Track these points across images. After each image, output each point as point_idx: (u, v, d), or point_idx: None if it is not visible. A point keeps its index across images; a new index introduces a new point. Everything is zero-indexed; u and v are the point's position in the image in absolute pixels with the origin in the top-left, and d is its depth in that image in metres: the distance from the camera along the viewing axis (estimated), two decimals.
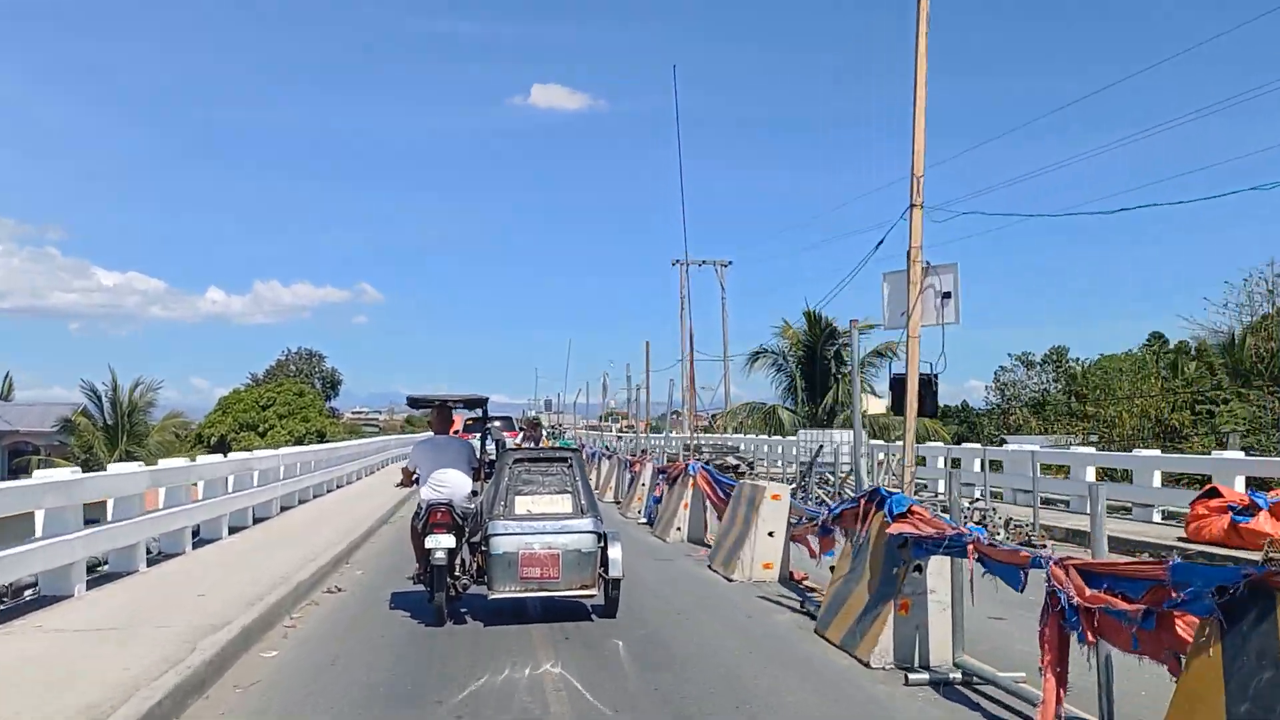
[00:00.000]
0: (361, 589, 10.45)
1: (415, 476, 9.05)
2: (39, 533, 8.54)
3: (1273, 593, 3.58)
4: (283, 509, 17.23)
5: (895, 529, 6.67)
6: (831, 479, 19.58)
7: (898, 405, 10.03)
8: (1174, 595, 4.08)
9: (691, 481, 14.48)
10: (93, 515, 10.39)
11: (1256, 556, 10.67)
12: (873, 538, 7.23)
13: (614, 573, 8.39)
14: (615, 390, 59.40)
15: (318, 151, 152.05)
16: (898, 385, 9.72)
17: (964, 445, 24.15)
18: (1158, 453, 18.31)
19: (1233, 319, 29.94)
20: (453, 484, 8.76)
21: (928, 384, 9.59)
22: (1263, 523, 11.88)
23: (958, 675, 6.34)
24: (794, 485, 17.53)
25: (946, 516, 6.76)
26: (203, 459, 16.06)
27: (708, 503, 14.00)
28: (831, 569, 8.45)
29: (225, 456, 16.90)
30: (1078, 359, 46.02)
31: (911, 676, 6.34)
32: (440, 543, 8.28)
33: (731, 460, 23.54)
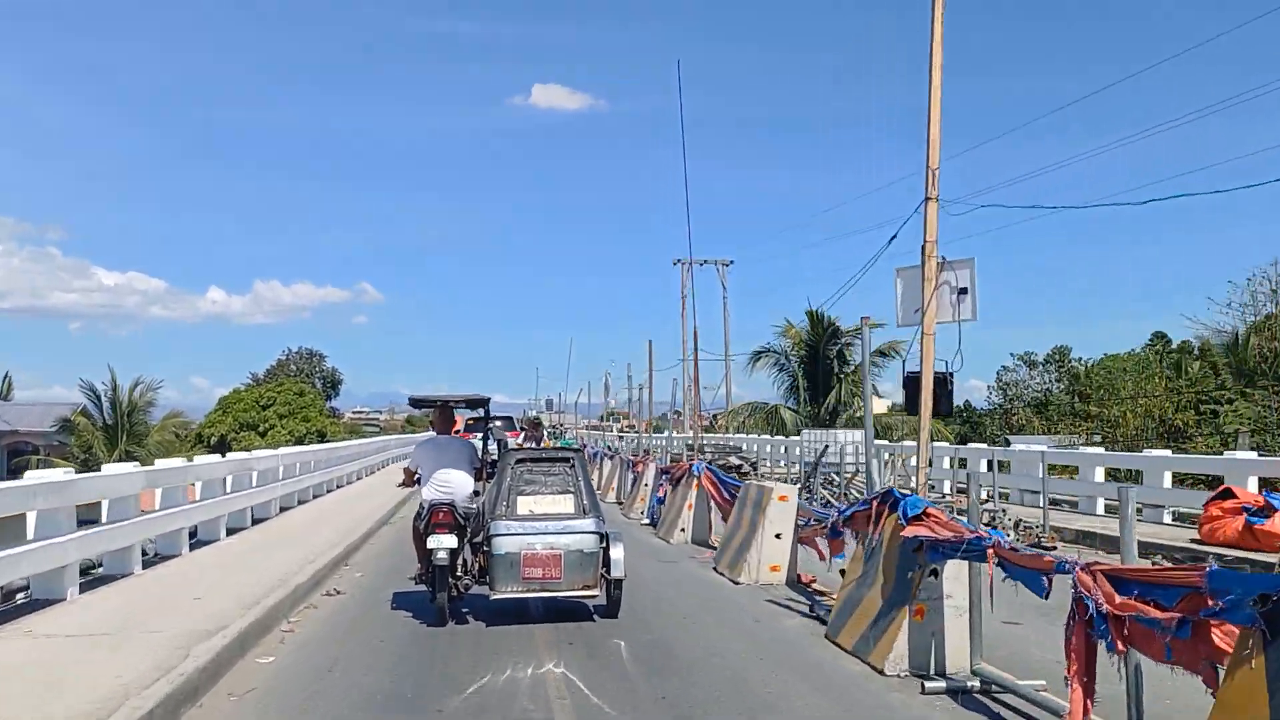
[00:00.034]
0: (361, 591, 10.27)
1: (417, 477, 9.00)
2: (31, 535, 8.34)
3: None
4: (282, 509, 17.04)
5: (910, 532, 6.47)
6: (836, 479, 19.37)
7: (911, 404, 9.78)
8: (1211, 603, 3.90)
9: (696, 482, 14.28)
10: (91, 516, 10.24)
11: (1273, 559, 10.47)
12: (886, 541, 7.04)
13: (616, 573, 8.36)
14: (617, 390, 59.25)
15: (318, 151, 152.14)
16: (911, 384, 9.47)
17: (970, 445, 23.94)
18: (1168, 453, 18.07)
19: (1236, 318, 29.85)
20: (455, 484, 8.72)
21: (943, 383, 9.35)
22: (1278, 524, 11.68)
23: (975, 684, 6.14)
24: (798, 486, 17.32)
25: (963, 519, 6.56)
26: (200, 459, 15.87)
27: (712, 504, 13.80)
28: (842, 572, 8.26)
29: (224, 457, 16.72)
30: (1080, 359, 45.84)
31: (927, 685, 6.14)
32: (442, 543, 8.25)
33: (734, 460, 23.35)
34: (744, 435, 39.01)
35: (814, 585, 10.14)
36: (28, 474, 9.07)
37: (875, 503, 7.38)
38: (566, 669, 6.75)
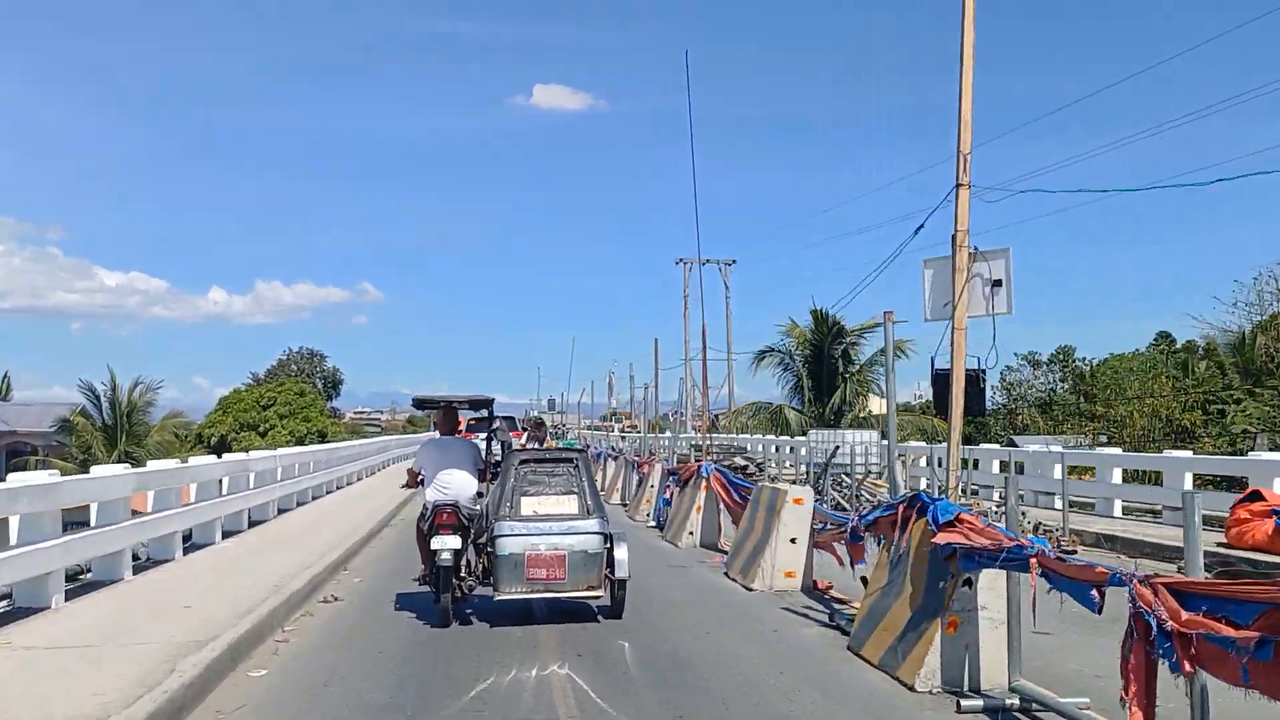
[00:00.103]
0: (360, 597, 9.90)
1: (421, 478, 8.91)
2: (13, 540, 7.96)
3: None
4: (280, 511, 16.68)
5: (943, 539, 6.07)
6: (847, 480, 18.95)
7: (940, 403, 9.36)
8: None
9: (705, 484, 13.88)
10: (82, 519, 9.87)
11: None
12: (914, 548, 6.64)
13: (620, 573, 8.33)
14: (620, 390, 58.92)
15: (318, 151, 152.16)
16: (940, 382, 9.03)
17: (981, 445, 23.53)
18: (1189, 454, 17.67)
19: (1242, 318, 29.60)
20: (458, 485, 8.69)
21: (974, 380, 8.93)
22: None
23: (1015, 701, 5.74)
24: (808, 488, 16.92)
25: (1001, 525, 6.16)
26: (195, 460, 15.49)
27: (722, 506, 13.41)
28: (864, 580, 7.86)
29: (220, 457, 16.36)
30: (1085, 359, 45.51)
31: (964, 703, 5.73)
32: (446, 544, 8.18)
33: (740, 461, 22.96)
34: (748, 436, 38.62)
35: (831, 592, 9.76)
36: (11, 476, 8.68)
37: (902, 507, 6.99)
38: (571, 671, 6.62)
